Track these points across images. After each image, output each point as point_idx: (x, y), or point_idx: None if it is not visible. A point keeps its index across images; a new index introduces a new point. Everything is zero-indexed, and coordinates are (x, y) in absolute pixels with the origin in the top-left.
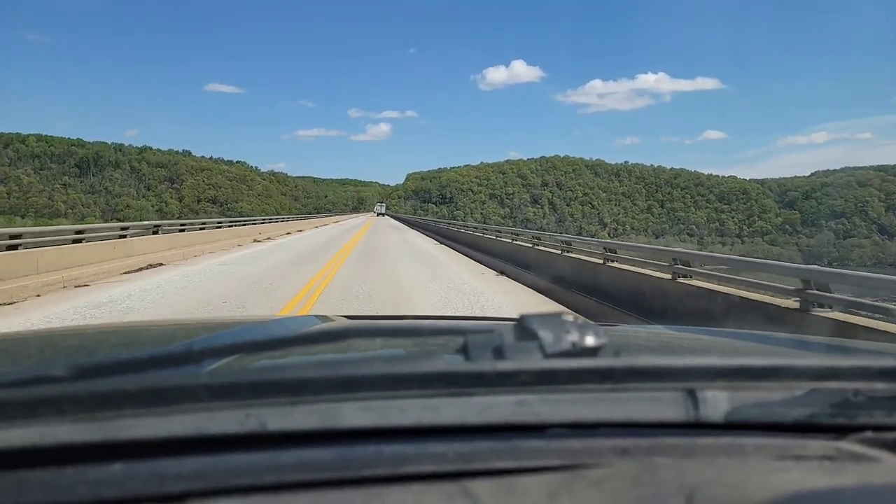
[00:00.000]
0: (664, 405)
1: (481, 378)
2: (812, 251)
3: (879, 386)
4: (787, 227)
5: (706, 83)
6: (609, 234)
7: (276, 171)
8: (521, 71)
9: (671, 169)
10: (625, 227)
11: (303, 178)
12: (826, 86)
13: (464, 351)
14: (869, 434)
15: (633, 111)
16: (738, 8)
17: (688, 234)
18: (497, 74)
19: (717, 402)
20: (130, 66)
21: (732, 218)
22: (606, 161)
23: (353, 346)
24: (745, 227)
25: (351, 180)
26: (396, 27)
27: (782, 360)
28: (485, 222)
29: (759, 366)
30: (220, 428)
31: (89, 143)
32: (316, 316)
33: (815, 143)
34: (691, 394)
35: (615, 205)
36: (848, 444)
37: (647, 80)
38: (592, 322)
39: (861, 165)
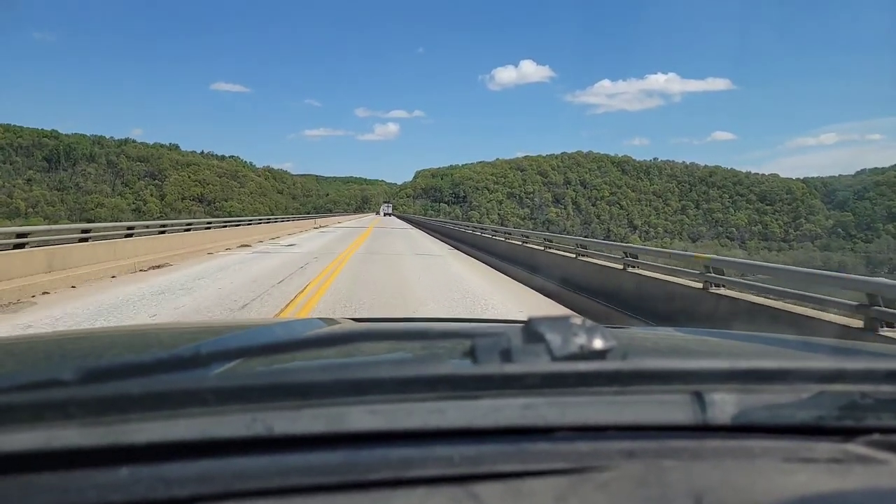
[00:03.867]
0: (672, 408)
1: (488, 381)
2: (870, 257)
3: (886, 388)
4: (839, 230)
5: (717, 83)
6: (640, 238)
7: (273, 167)
8: (530, 70)
9: (705, 166)
10: (657, 229)
11: (304, 175)
12: (836, 87)
13: (471, 354)
14: (876, 436)
15: (642, 112)
16: (751, 7)
17: (727, 237)
18: (506, 74)
19: (725, 404)
20: (136, 65)
21: (776, 220)
22: (634, 158)
23: (359, 349)
24: (790, 229)
25: (355, 178)
26: (404, 26)
27: (789, 362)
28: (502, 223)
29: (767, 368)
30: (226, 432)
31: (65, 134)
32: (322, 319)
33: (823, 144)
34: (699, 396)
35: (646, 205)
36: (855, 447)
37: (658, 80)
38: (600, 325)
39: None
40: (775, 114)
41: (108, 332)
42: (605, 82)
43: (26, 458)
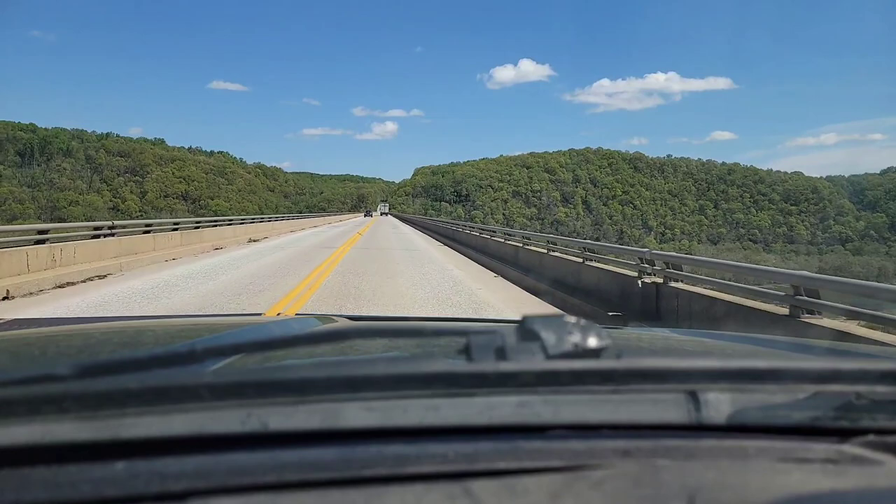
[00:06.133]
0: (666, 407)
1: (483, 379)
2: None
3: (881, 389)
4: (871, 232)
5: (717, 83)
6: (656, 240)
7: (265, 164)
8: (529, 69)
9: (723, 163)
10: (674, 230)
11: (298, 173)
12: (837, 86)
13: (466, 352)
14: (871, 437)
15: (642, 111)
16: (752, 6)
17: (750, 239)
18: (504, 73)
19: (720, 404)
20: (134, 64)
21: (803, 221)
22: (647, 155)
23: (355, 346)
24: (818, 231)
25: (352, 176)
26: (403, 25)
27: (784, 362)
28: (507, 224)
29: (762, 368)
30: (222, 427)
31: (43, 128)
32: (318, 317)
33: (824, 144)
34: (693, 396)
35: (660, 205)
36: (850, 448)
37: (657, 79)
38: (595, 323)
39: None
40: (776, 113)
41: (104, 328)
42: (605, 81)
43: (21, 453)
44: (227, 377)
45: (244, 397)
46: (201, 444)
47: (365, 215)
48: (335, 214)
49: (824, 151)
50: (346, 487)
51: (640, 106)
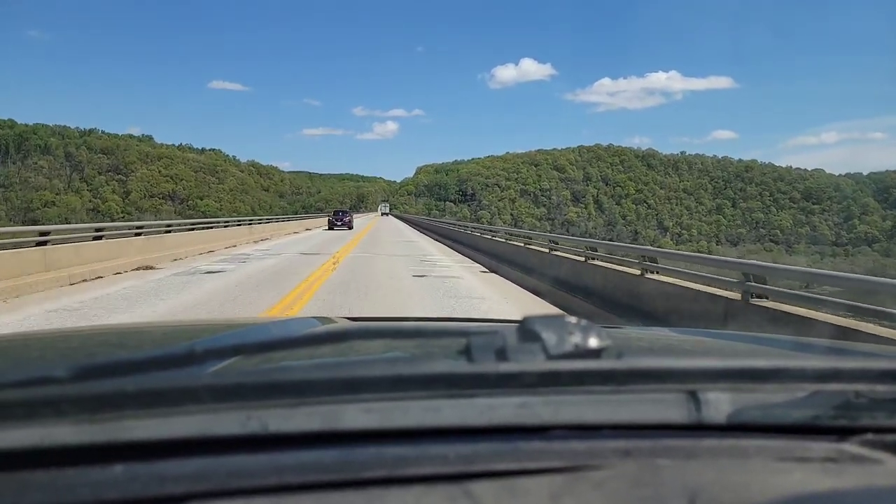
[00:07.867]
0: (666, 407)
1: (483, 380)
2: None
3: (881, 388)
4: None
5: (719, 81)
6: (673, 241)
7: (260, 162)
8: (531, 69)
9: (739, 160)
10: (690, 231)
11: (295, 172)
12: (838, 85)
13: (466, 352)
14: (871, 436)
15: (643, 110)
16: (753, 4)
17: (771, 240)
18: (506, 73)
19: (720, 403)
20: (133, 63)
21: (826, 221)
22: (660, 151)
23: (355, 347)
24: (842, 231)
25: (352, 175)
26: (404, 25)
27: (784, 361)
28: (516, 225)
29: (762, 367)
30: (221, 429)
31: (22, 124)
32: (317, 318)
33: (825, 143)
34: (693, 395)
35: (676, 203)
36: (850, 446)
37: (659, 78)
38: (595, 324)
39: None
40: (777, 112)
41: (103, 330)
42: (606, 80)
43: (19, 456)
44: (227, 379)
45: (244, 399)
46: (201, 446)
47: (330, 226)
48: (294, 219)
49: (825, 150)
50: (347, 489)
51: (642, 105)
